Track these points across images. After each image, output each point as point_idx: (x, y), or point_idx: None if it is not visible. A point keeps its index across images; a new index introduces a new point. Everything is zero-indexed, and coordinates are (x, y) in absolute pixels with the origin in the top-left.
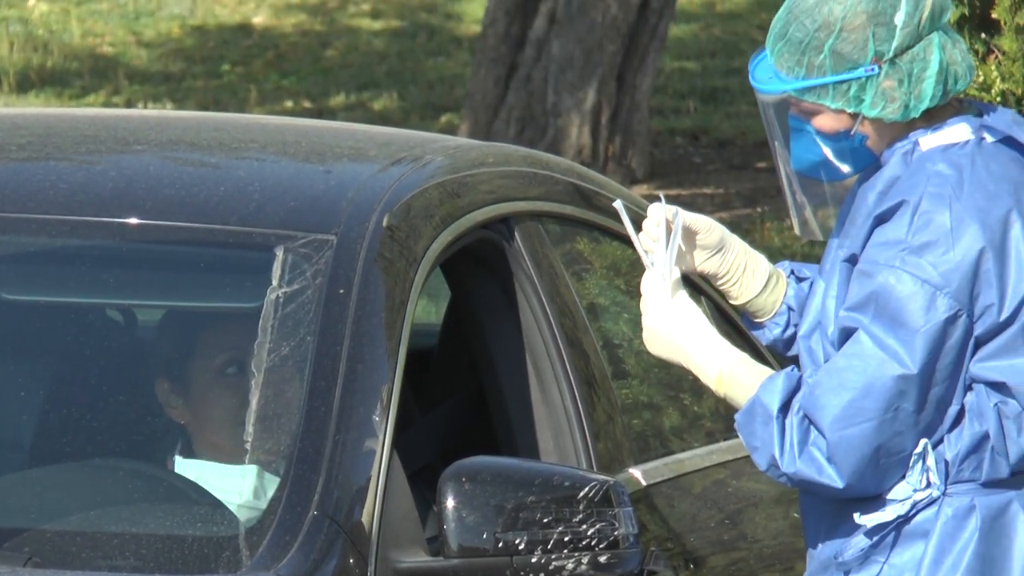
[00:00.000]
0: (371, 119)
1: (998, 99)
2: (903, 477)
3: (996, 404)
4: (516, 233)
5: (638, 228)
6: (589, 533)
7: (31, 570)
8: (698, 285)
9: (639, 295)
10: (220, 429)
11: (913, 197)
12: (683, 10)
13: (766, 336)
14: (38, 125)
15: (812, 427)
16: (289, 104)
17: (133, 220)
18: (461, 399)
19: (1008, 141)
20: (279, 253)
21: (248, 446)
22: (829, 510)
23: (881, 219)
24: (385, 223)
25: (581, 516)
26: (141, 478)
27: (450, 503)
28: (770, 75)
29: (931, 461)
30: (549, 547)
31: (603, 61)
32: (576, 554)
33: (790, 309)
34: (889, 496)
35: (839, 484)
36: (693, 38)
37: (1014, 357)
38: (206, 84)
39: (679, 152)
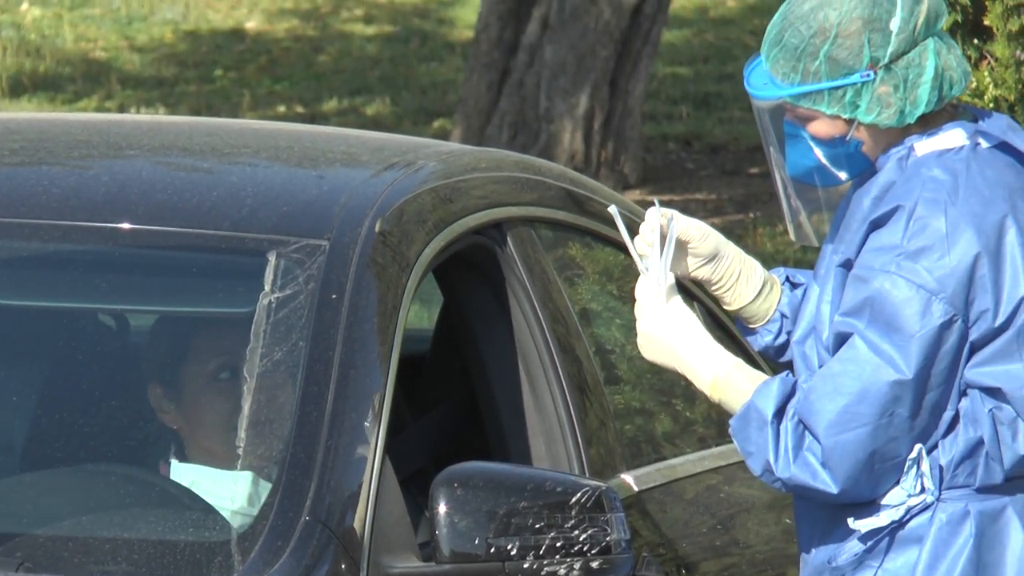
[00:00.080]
0: (364, 124)
1: (991, 105)
2: (897, 482)
3: (991, 410)
4: (509, 238)
5: (632, 234)
6: (581, 539)
7: (23, 575)
8: (691, 291)
9: (632, 301)
10: (212, 434)
11: (908, 202)
12: (676, 15)
13: (758, 342)
14: (31, 130)
15: (807, 432)
16: (282, 109)
17: (126, 225)
18: (453, 404)
19: (1003, 147)
20: (272, 258)
21: (240, 451)
22: (823, 515)
23: (876, 224)
24: (378, 228)
25: (573, 522)
26: (133, 483)
27: (442, 508)
28: (765, 81)
29: (926, 466)
30: (541, 552)
31: (596, 66)
32: (568, 560)
33: (783, 316)
34: (883, 501)
35: (834, 489)
36: (686, 43)
37: (1009, 362)
38: (199, 89)
39: (672, 157)
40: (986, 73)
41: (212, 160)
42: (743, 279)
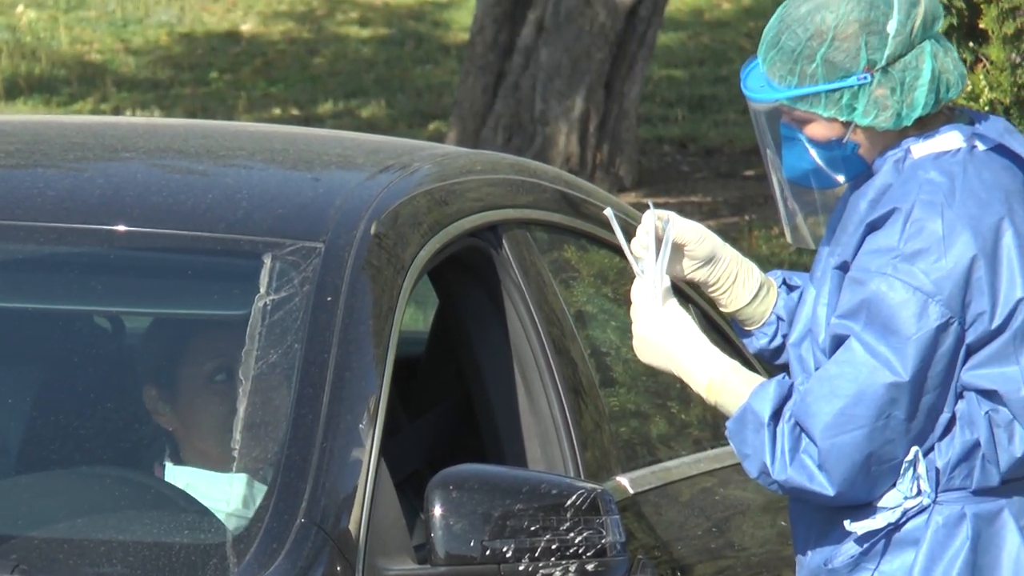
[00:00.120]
0: (359, 127)
1: (986, 108)
2: (894, 485)
3: (987, 412)
4: (504, 241)
5: (628, 236)
6: (576, 541)
7: None
8: (686, 293)
9: (628, 303)
10: (208, 436)
11: (905, 205)
12: (671, 18)
13: (753, 345)
14: (26, 132)
15: (803, 434)
16: (277, 111)
17: (121, 227)
18: (449, 407)
19: (999, 149)
20: (267, 260)
21: (236, 453)
22: (819, 517)
23: (873, 227)
24: (373, 231)
25: (568, 524)
26: (128, 485)
27: (437, 511)
28: (762, 83)
29: (922, 469)
30: (536, 555)
31: (591, 69)
32: (563, 562)
33: (779, 319)
34: (880, 504)
35: (830, 491)
36: (681, 46)
37: (1005, 365)
38: (194, 91)
39: (667, 160)
40: (981, 76)
41: (207, 162)
42: (740, 282)
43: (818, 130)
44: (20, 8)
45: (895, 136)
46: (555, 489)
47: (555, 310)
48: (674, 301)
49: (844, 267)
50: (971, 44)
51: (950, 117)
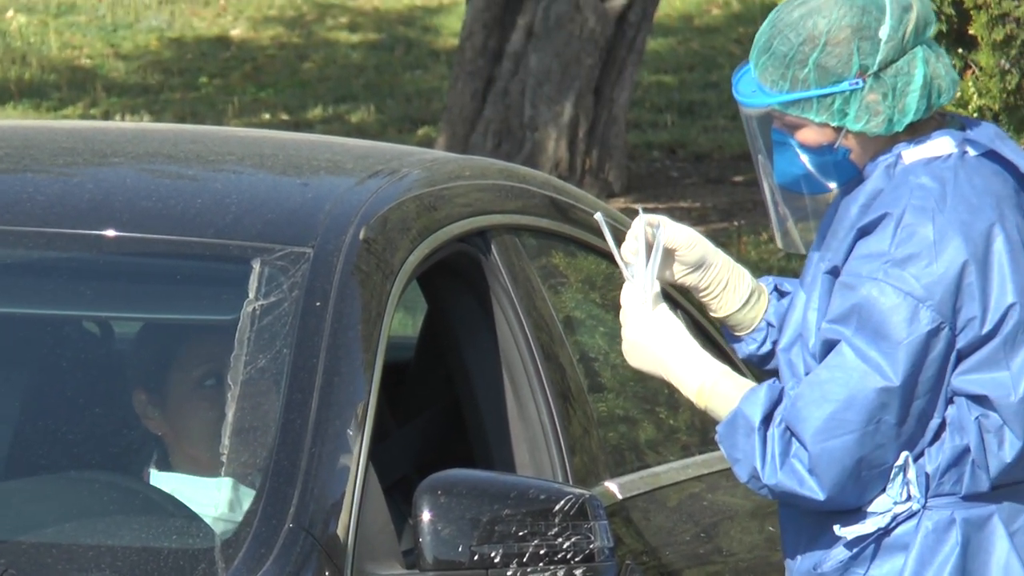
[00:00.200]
0: (348, 132)
1: (975, 115)
2: (884, 490)
3: (977, 417)
4: (493, 246)
5: (618, 241)
6: (565, 546)
7: None
8: (674, 298)
9: (617, 308)
10: (197, 441)
11: (896, 210)
12: (661, 24)
13: (742, 350)
14: (15, 137)
15: (794, 439)
16: (266, 117)
17: (110, 232)
18: (437, 412)
19: (990, 155)
20: (256, 266)
21: (224, 458)
22: (809, 522)
23: (864, 231)
24: (362, 236)
25: (557, 529)
26: (117, 490)
27: (426, 516)
28: (754, 88)
29: (912, 474)
30: (524, 560)
31: (580, 75)
32: (551, 567)
33: (769, 325)
34: (869, 509)
35: (820, 496)
36: (671, 52)
37: (995, 370)
38: (184, 96)
39: (656, 166)
40: (970, 83)
41: (197, 167)
42: (730, 287)
43: (809, 135)
44: (10, 13)
45: (886, 141)
46: (543, 494)
47: (544, 315)
48: (664, 306)
49: (835, 272)
50: (960, 50)
51: (941, 123)
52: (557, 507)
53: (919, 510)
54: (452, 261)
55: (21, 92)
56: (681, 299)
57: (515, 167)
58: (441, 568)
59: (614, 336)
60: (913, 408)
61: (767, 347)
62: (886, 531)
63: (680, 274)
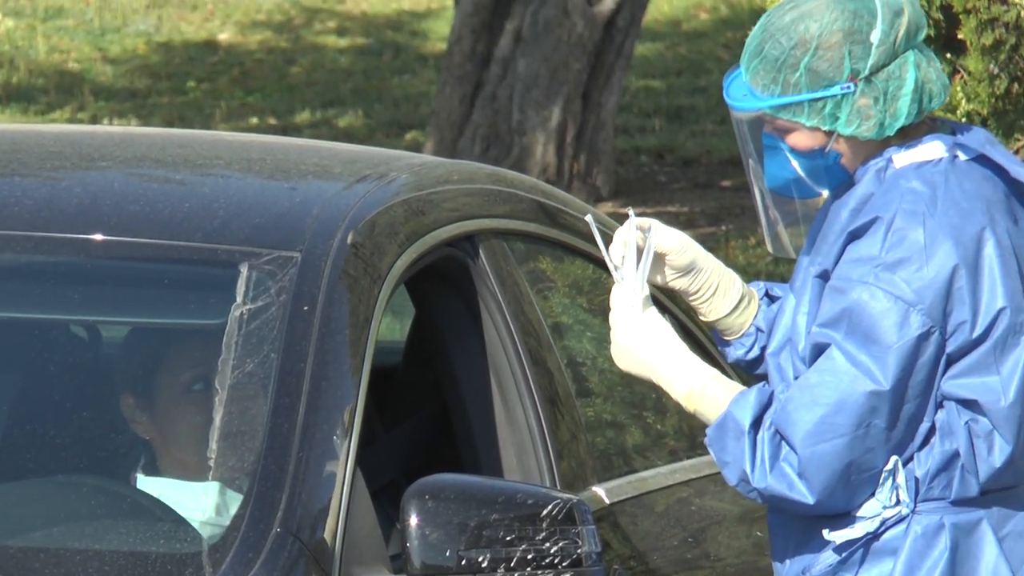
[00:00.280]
0: (336, 136)
1: (964, 119)
2: (873, 494)
3: (967, 422)
4: (480, 251)
5: (608, 244)
6: (552, 551)
7: None
8: (663, 302)
9: (604, 313)
10: (185, 446)
11: (887, 214)
12: (649, 29)
13: (731, 355)
14: (3, 141)
15: (784, 443)
16: (254, 121)
17: (98, 236)
18: (425, 416)
19: (981, 159)
20: (243, 270)
21: (212, 463)
22: (797, 526)
23: (854, 235)
24: (350, 240)
25: (544, 534)
26: (104, 494)
27: (413, 520)
28: (745, 92)
29: (901, 478)
30: (512, 565)
31: (568, 79)
32: (539, 572)
33: (759, 330)
34: (859, 513)
35: (810, 500)
36: (659, 57)
37: (985, 375)
38: (171, 101)
39: (644, 170)
40: (959, 87)
41: (184, 172)
42: (720, 292)
43: (800, 139)
44: None
45: (877, 146)
46: (531, 499)
47: (532, 320)
48: (654, 309)
49: (825, 276)
50: (949, 55)
51: (932, 127)
52: (545, 512)
53: (908, 515)
54: (440, 265)
55: (9, 96)
56: (670, 303)
57: (503, 171)
58: (429, 573)
59: (602, 340)
60: (903, 412)
61: (756, 352)
62: (875, 535)
63: (670, 278)
